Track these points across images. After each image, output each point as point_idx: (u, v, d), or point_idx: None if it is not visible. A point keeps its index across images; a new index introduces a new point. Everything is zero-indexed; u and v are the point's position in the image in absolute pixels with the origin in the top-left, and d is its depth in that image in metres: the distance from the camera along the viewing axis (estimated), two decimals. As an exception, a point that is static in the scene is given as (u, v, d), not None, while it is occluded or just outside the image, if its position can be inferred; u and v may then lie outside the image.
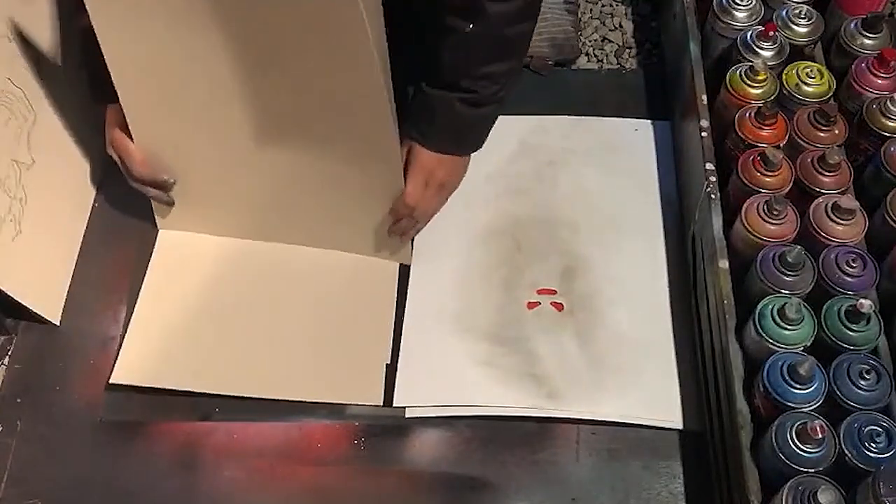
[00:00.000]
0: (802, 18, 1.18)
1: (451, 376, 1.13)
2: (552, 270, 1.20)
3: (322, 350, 1.15)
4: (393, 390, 1.12)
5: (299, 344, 1.15)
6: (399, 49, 1.05)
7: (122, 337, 1.16)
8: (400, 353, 1.14)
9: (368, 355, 1.14)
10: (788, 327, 0.96)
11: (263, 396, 1.11)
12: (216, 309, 1.18)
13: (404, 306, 1.18)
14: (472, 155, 1.23)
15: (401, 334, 1.16)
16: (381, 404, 1.11)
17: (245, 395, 1.11)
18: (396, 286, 1.19)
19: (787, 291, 0.99)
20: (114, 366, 1.13)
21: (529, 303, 1.18)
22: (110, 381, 1.12)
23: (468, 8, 1.03)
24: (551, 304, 1.18)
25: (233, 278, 1.20)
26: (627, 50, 1.44)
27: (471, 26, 1.04)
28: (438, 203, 1.19)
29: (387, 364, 1.14)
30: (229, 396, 1.11)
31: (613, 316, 1.17)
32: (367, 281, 1.19)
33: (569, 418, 1.10)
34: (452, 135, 1.14)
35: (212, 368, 1.13)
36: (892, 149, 1.07)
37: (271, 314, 1.18)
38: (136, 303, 1.18)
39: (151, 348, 1.15)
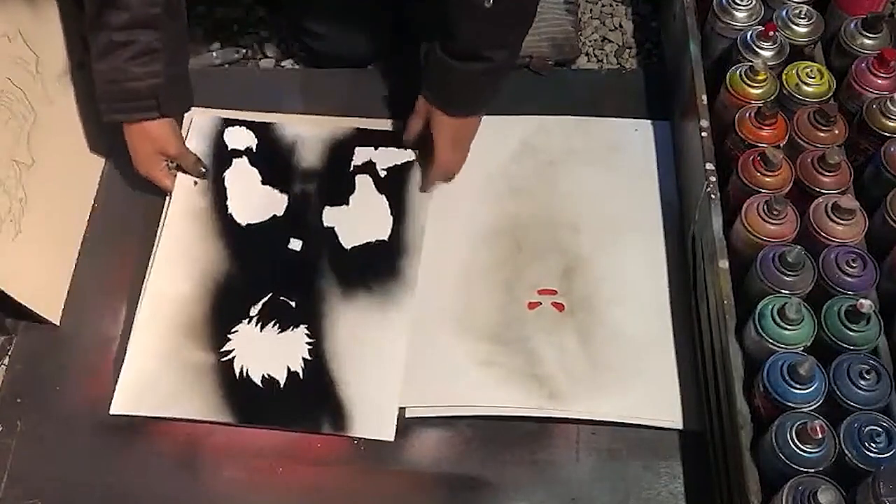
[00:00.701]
0: (802, 18, 1.18)
1: (453, 376, 1.12)
2: (553, 270, 1.20)
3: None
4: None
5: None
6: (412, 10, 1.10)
7: (122, 338, 1.16)
8: (403, 358, 1.14)
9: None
10: (788, 327, 0.96)
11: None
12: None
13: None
14: (472, 155, 1.24)
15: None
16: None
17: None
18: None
19: (787, 291, 0.99)
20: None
21: (530, 303, 1.18)
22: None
23: None
24: (552, 304, 1.18)
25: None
26: (627, 50, 1.44)
27: (492, 2, 1.05)
28: (465, 156, 1.25)
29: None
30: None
31: (614, 316, 1.17)
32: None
33: (569, 418, 1.10)
34: (473, 100, 1.20)
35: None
36: (892, 149, 1.07)
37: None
38: (136, 303, 1.18)
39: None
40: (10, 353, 1.16)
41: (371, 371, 1.13)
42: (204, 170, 1.26)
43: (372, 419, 1.10)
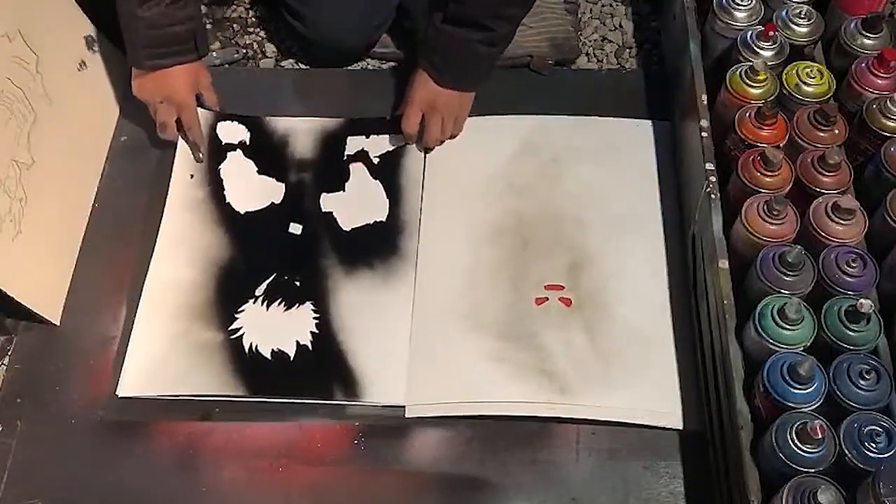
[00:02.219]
0: (802, 18, 1.18)
1: (463, 374, 1.13)
2: (559, 266, 1.20)
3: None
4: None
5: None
6: None
7: (122, 338, 1.16)
8: (409, 353, 1.14)
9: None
10: (788, 327, 0.96)
11: (276, 399, 1.12)
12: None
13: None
14: (474, 154, 1.26)
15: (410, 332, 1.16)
16: (403, 404, 1.11)
17: (256, 399, 1.12)
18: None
19: (787, 291, 0.99)
20: (119, 375, 1.13)
21: (537, 299, 1.18)
22: (118, 394, 1.12)
23: None
24: (559, 299, 1.18)
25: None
26: (627, 50, 1.44)
27: None
28: (439, 128, 1.27)
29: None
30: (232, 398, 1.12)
31: (620, 311, 1.17)
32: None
33: (570, 418, 1.10)
34: (466, 71, 1.24)
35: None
36: (892, 149, 1.07)
37: None
38: (136, 303, 1.18)
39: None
40: (10, 353, 1.16)
41: (379, 340, 1.15)
42: (201, 154, 1.29)
43: (382, 386, 1.12)
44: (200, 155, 1.28)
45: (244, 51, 1.45)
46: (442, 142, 1.30)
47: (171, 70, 1.21)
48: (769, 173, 1.06)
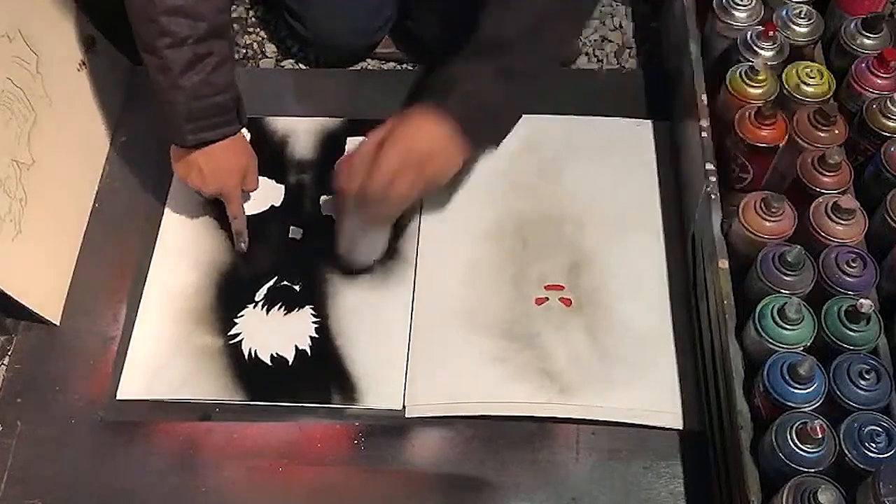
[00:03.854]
0: (802, 18, 1.18)
1: (463, 374, 1.12)
2: (559, 266, 1.20)
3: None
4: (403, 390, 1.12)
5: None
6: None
7: (122, 338, 1.16)
8: (409, 354, 1.14)
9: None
10: (788, 327, 0.96)
11: (277, 403, 1.12)
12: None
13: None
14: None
15: (409, 335, 1.16)
16: (401, 408, 1.11)
17: (257, 403, 1.12)
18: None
19: (787, 291, 0.99)
20: (119, 377, 1.14)
21: (538, 299, 1.18)
22: (117, 397, 1.12)
23: None
24: (559, 299, 1.18)
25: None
26: (627, 50, 1.44)
27: None
28: (408, 188, 1.00)
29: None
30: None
31: (620, 311, 1.17)
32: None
33: (570, 418, 1.10)
34: (472, 107, 0.97)
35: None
36: (892, 149, 1.07)
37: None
38: (136, 303, 1.19)
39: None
40: (10, 353, 1.16)
41: (377, 345, 1.15)
42: (244, 244, 1.21)
43: (381, 390, 1.12)
44: (243, 245, 1.20)
45: (244, 51, 1.45)
46: (392, 213, 1.06)
47: (217, 154, 1.11)
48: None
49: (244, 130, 1.16)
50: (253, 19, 1.48)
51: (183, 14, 1.01)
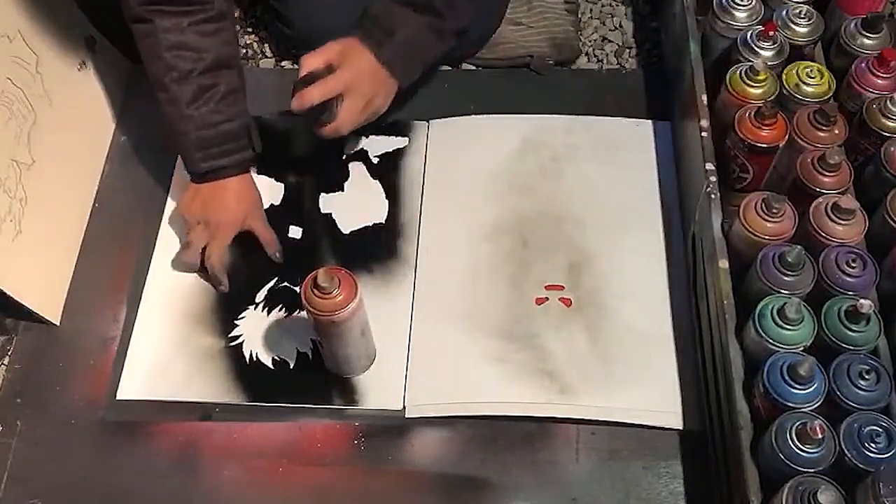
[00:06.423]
0: (802, 18, 1.18)
1: (463, 374, 1.12)
2: (559, 266, 1.20)
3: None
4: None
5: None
6: None
7: (122, 338, 1.16)
8: (409, 354, 1.14)
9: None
10: (788, 327, 0.96)
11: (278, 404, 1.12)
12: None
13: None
14: (474, 153, 1.24)
15: (409, 335, 1.16)
16: (401, 408, 1.11)
17: (259, 404, 1.12)
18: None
19: (787, 291, 0.99)
20: (119, 377, 1.14)
21: (538, 299, 1.18)
22: (117, 397, 1.12)
23: None
24: (559, 299, 1.18)
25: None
26: (627, 50, 1.44)
27: None
28: (356, 115, 1.17)
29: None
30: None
31: (620, 311, 1.17)
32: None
33: (570, 418, 1.10)
34: (405, 54, 1.16)
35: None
36: (892, 149, 1.07)
37: None
38: (136, 303, 1.19)
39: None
40: (10, 353, 1.16)
41: (378, 344, 1.14)
42: (223, 288, 1.19)
43: (381, 390, 1.12)
44: (222, 288, 1.19)
45: (244, 51, 1.45)
46: (339, 134, 1.18)
47: (226, 190, 1.14)
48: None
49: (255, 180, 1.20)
50: (253, 19, 1.48)
51: (186, 48, 1.06)
